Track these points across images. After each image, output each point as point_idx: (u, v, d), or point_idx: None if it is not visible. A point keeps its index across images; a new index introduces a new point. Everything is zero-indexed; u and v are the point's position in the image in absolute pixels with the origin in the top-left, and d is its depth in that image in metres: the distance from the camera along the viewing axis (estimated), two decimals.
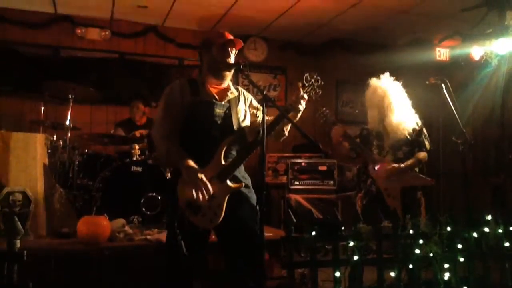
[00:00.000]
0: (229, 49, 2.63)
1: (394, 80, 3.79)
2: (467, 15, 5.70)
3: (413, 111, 3.76)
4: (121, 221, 3.71)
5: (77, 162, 4.52)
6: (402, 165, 3.64)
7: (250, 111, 2.78)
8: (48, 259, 3.04)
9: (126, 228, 3.64)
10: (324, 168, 5.65)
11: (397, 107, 3.68)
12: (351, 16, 5.94)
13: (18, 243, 2.22)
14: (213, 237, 2.82)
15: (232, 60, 2.65)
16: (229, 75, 2.67)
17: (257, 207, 2.54)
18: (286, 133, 2.73)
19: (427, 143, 3.75)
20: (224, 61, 2.61)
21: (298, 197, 5.46)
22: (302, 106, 2.59)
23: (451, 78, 3.78)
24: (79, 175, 4.58)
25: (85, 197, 4.43)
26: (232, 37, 2.65)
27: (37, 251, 3.02)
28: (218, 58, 2.62)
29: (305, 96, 2.59)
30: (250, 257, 2.49)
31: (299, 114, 2.63)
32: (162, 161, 2.57)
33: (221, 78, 2.66)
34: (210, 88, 2.65)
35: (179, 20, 6.27)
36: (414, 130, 3.72)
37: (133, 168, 4.36)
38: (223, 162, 2.51)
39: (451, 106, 3.59)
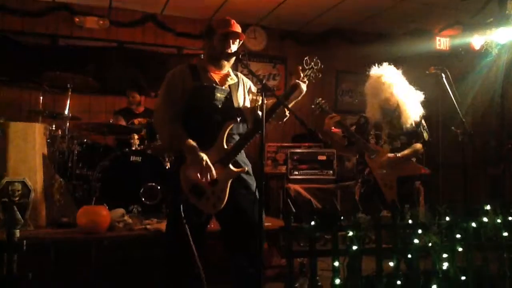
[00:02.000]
0: (231, 40, 2.63)
1: (394, 69, 3.77)
2: (468, 4, 5.67)
3: (416, 102, 3.74)
4: (121, 210, 3.72)
5: (76, 152, 4.52)
6: (398, 155, 3.64)
7: (249, 97, 2.79)
8: (48, 249, 3.05)
9: (126, 217, 3.65)
10: (323, 158, 5.64)
11: (400, 96, 3.66)
12: (351, 4, 5.91)
13: (17, 233, 2.22)
14: (213, 225, 2.84)
15: (233, 50, 2.65)
16: (227, 64, 2.69)
17: (257, 195, 2.57)
18: (288, 114, 2.72)
19: (425, 134, 3.75)
20: (223, 51, 2.61)
21: (297, 187, 5.47)
22: (303, 89, 2.60)
23: (451, 67, 3.77)
24: (78, 165, 4.58)
25: (84, 187, 4.43)
26: (235, 29, 2.64)
27: (36, 241, 3.03)
28: (218, 47, 2.63)
29: (305, 80, 2.60)
30: (249, 245, 2.50)
31: (294, 101, 2.64)
32: (165, 145, 2.61)
33: (220, 67, 2.68)
34: (211, 74, 2.67)
35: (178, 9, 6.23)
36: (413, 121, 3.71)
37: (132, 158, 4.36)
38: (225, 147, 2.53)
39: (451, 96, 3.58)
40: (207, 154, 2.47)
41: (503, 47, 5.35)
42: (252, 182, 2.64)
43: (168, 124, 2.57)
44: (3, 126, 3.64)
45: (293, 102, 2.67)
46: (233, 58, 2.66)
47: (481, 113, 5.95)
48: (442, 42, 6.16)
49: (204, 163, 2.43)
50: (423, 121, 3.78)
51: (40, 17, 5.87)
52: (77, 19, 6.00)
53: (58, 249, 3.09)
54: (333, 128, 3.71)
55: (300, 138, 6.25)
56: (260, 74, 6.69)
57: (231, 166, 2.52)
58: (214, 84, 2.64)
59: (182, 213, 2.42)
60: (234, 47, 2.66)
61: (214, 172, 2.45)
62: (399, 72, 3.77)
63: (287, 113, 2.69)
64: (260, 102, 2.79)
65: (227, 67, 2.70)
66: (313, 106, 3.78)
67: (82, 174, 4.56)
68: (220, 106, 2.61)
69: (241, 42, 2.71)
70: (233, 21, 2.67)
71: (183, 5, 6.10)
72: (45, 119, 4.67)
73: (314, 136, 2.43)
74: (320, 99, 3.80)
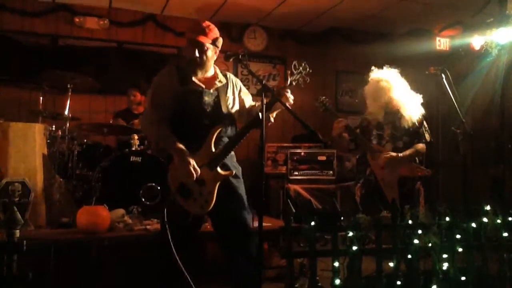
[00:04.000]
0: (196, 49, 2.60)
1: (395, 70, 3.77)
2: (468, 4, 5.67)
3: (417, 102, 3.73)
4: (121, 211, 3.71)
5: (76, 152, 4.52)
6: (400, 155, 3.63)
7: (239, 98, 2.79)
8: (48, 249, 3.05)
9: (126, 218, 3.65)
10: (323, 158, 5.65)
11: (400, 99, 3.66)
12: (351, 4, 5.91)
13: (17, 233, 2.22)
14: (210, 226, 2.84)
15: (201, 56, 2.61)
16: (200, 71, 2.66)
17: (245, 197, 2.60)
18: (272, 120, 2.68)
19: (427, 135, 3.74)
20: (191, 57, 2.62)
21: (297, 187, 5.47)
22: (289, 95, 2.60)
23: (451, 68, 3.76)
24: (79, 165, 4.58)
25: (84, 187, 4.43)
26: (200, 37, 2.58)
27: (36, 241, 3.02)
28: (186, 53, 2.66)
29: (294, 83, 2.60)
30: (244, 246, 2.52)
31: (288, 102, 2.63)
32: (153, 147, 2.65)
33: (195, 73, 2.66)
34: (198, 77, 2.67)
35: (178, 9, 6.23)
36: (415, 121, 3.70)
37: (132, 158, 4.35)
38: (213, 150, 2.54)
39: (451, 96, 3.57)
40: (195, 157, 2.49)
41: (503, 47, 5.34)
42: (239, 185, 2.66)
43: (154, 126, 2.58)
44: (3, 127, 3.64)
45: (277, 111, 2.65)
46: (208, 65, 2.65)
47: (481, 113, 5.94)
48: (442, 42, 6.17)
49: (190, 166, 2.44)
50: (425, 122, 3.77)
51: (40, 17, 5.88)
52: (77, 19, 6.01)
53: (58, 249, 3.09)
54: (342, 133, 3.71)
55: (300, 139, 6.25)
56: (260, 75, 6.69)
57: (218, 169, 2.53)
58: (201, 88, 2.64)
59: (165, 215, 2.44)
60: (207, 55, 2.62)
61: (199, 174, 2.47)
62: (398, 74, 3.77)
63: (272, 119, 2.68)
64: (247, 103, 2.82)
65: (201, 73, 2.67)
66: (316, 105, 3.78)
67: (82, 174, 4.55)
68: (208, 110, 2.63)
69: (215, 44, 2.66)
70: (204, 26, 2.62)
71: (183, 5, 6.10)
72: (45, 120, 4.67)
73: (315, 137, 2.44)
74: (323, 97, 3.79)
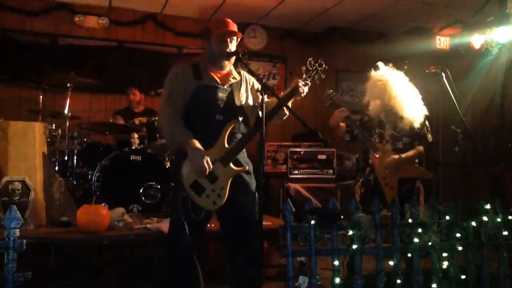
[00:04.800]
0: (228, 39, 2.64)
1: (395, 68, 3.75)
2: (468, 3, 5.66)
3: (419, 102, 3.70)
4: (121, 210, 3.71)
5: (76, 151, 4.52)
6: (402, 156, 3.61)
7: (252, 94, 2.79)
8: (48, 248, 3.06)
9: (126, 217, 3.64)
10: (323, 157, 5.65)
11: (400, 98, 3.63)
12: (351, 3, 5.90)
13: (17, 232, 2.22)
14: (213, 225, 2.84)
15: (232, 49, 2.67)
16: (228, 64, 2.71)
17: (256, 194, 2.58)
18: (287, 112, 2.74)
19: (429, 136, 3.70)
20: (222, 52, 2.65)
21: (297, 186, 5.47)
22: (305, 90, 2.65)
23: (451, 66, 3.75)
24: (79, 164, 4.59)
25: (84, 186, 4.44)
26: (231, 28, 2.66)
27: (36, 240, 3.03)
28: (217, 49, 2.66)
29: (309, 81, 2.65)
30: (248, 245, 2.52)
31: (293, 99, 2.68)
32: (167, 141, 2.68)
33: (220, 67, 2.71)
34: (212, 74, 2.68)
35: (178, 8, 6.23)
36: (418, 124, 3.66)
37: (132, 157, 4.36)
38: (226, 146, 2.55)
39: (451, 95, 3.56)
40: (208, 153, 2.49)
41: (503, 46, 5.34)
42: (251, 182, 2.66)
43: (170, 120, 2.59)
44: (3, 125, 3.63)
45: (291, 100, 2.69)
46: (234, 57, 2.68)
47: (481, 112, 5.94)
48: (442, 41, 6.16)
49: (204, 163, 2.44)
50: (427, 122, 3.73)
51: (40, 16, 5.88)
52: (77, 18, 6.01)
53: (58, 248, 3.09)
54: (340, 123, 3.70)
55: (300, 138, 6.25)
56: (260, 74, 6.69)
57: (231, 165, 2.54)
58: (216, 84, 2.65)
59: (180, 213, 2.44)
60: (232, 46, 2.68)
61: (214, 171, 2.47)
62: (401, 72, 3.74)
63: (286, 111, 2.72)
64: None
65: (228, 66, 2.72)
66: (323, 97, 3.77)
67: (82, 173, 4.56)
68: (222, 106, 2.64)
69: (239, 40, 2.73)
70: (228, 20, 2.69)
71: (182, 5, 6.10)
72: (45, 118, 4.67)
73: (316, 136, 2.44)
74: (331, 91, 3.78)
